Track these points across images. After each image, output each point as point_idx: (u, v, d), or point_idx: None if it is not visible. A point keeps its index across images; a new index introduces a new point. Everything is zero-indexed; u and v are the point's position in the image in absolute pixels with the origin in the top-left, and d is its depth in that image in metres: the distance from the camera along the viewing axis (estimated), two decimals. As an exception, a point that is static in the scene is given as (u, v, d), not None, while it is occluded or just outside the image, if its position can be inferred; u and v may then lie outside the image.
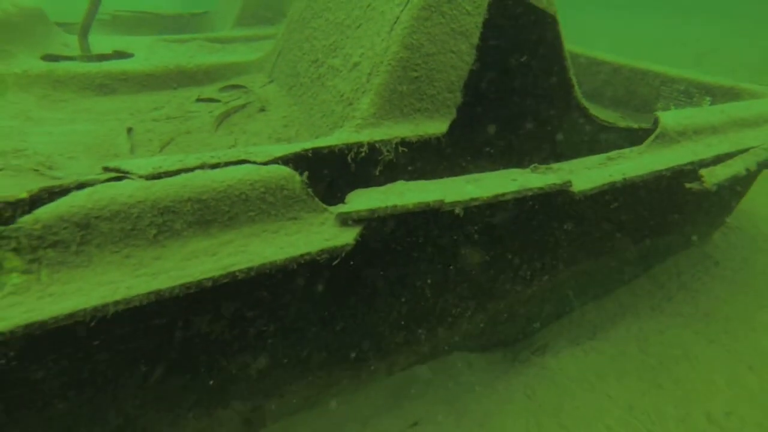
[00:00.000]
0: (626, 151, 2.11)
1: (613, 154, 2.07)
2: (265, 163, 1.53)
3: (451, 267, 2.11)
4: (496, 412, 2.05)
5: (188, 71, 3.16)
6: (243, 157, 1.53)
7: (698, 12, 13.29)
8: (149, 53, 3.89)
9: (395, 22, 1.84)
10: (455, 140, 1.98)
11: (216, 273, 1.29)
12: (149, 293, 1.18)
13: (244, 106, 2.91)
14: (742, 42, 9.84)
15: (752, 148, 2.15)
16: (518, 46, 2.20)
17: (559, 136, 2.43)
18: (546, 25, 2.15)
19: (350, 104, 1.95)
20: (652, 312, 2.64)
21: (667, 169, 1.96)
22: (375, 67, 1.84)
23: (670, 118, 2.17)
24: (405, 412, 2.09)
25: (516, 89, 2.32)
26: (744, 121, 2.29)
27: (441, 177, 1.81)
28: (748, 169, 2.08)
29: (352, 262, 1.78)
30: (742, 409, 2.08)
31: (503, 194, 1.63)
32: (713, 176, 2.00)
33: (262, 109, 2.87)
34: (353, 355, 2.14)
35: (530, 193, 1.67)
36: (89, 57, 3.45)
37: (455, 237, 1.94)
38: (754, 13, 12.77)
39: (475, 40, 1.90)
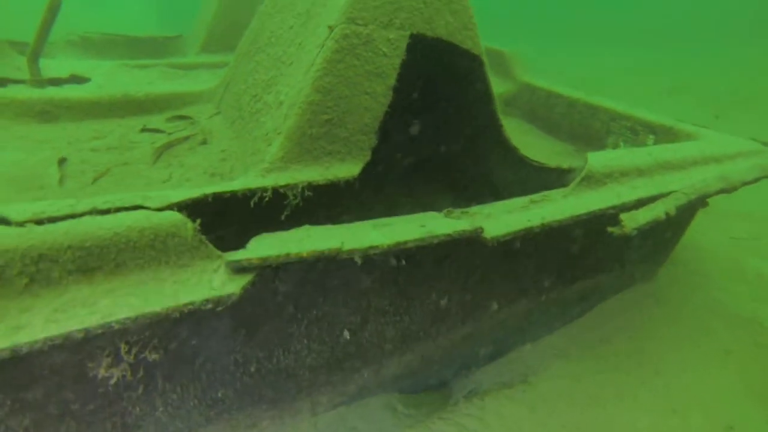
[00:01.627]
0: (552, 192, 2.12)
1: (537, 196, 2.07)
2: (161, 209, 1.50)
3: (370, 309, 2.08)
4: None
5: (136, 100, 3.15)
6: (138, 202, 1.51)
7: (677, 45, 13.70)
8: (107, 79, 3.88)
9: (311, 65, 1.85)
10: (372, 183, 1.97)
11: (91, 323, 1.25)
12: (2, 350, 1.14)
13: (187, 138, 2.90)
14: (714, 76, 10.11)
15: (673, 192, 2.16)
16: (441, 87, 2.22)
17: (491, 177, 2.44)
18: (472, 66, 2.16)
19: (269, 144, 1.94)
20: (588, 353, 2.62)
21: (587, 214, 1.96)
22: (290, 109, 1.84)
23: (597, 159, 2.18)
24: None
25: (440, 130, 2.33)
26: (669, 164, 2.31)
27: (356, 220, 1.80)
28: (667, 214, 2.09)
29: (257, 306, 1.75)
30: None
31: (405, 242, 1.61)
32: (633, 221, 2.01)
33: (204, 142, 2.85)
34: (272, 396, 2.09)
35: (436, 241, 1.65)
36: (39, 81, 3.43)
37: (369, 280, 1.92)
38: (730, 50, 13.17)
39: (392, 81, 1.91)
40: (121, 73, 4.09)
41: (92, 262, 1.34)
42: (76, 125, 2.91)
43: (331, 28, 1.82)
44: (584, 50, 13.75)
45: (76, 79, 3.81)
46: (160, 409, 1.83)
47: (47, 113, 2.90)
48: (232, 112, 2.98)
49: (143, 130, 2.97)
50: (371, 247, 1.58)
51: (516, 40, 11.91)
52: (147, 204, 1.50)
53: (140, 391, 1.72)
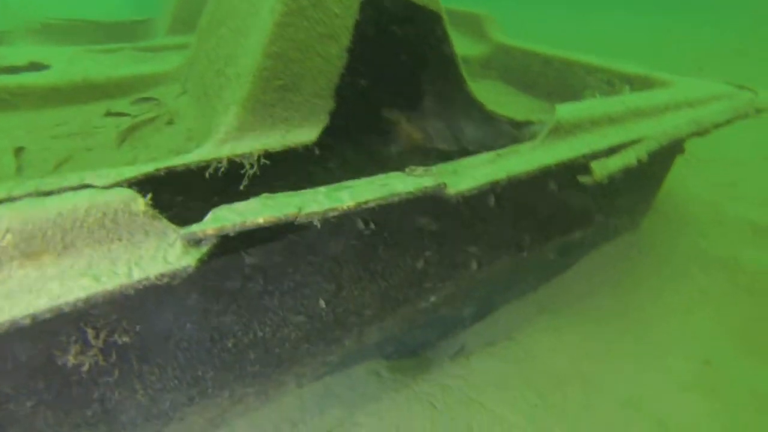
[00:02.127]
0: (519, 146, 2.07)
1: (504, 150, 2.03)
2: (110, 186, 1.46)
3: (343, 275, 2.06)
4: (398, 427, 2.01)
5: (98, 84, 3.06)
6: (86, 180, 1.46)
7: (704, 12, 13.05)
8: (69, 65, 3.77)
9: (262, 31, 1.78)
10: (331, 147, 1.92)
11: (38, 308, 1.22)
12: None
13: (153, 119, 2.82)
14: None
15: (645, 138, 2.12)
16: (399, 47, 2.15)
17: (460, 137, 2.38)
18: (431, 23, 2.09)
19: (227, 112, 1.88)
20: (572, 307, 2.62)
21: (556, 164, 1.92)
22: (244, 78, 1.78)
23: (566, 110, 2.13)
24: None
25: (400, 90, 2.27)
26: (641, 111, 2.26)
27: (316, 186, 1.76)
28: (639, 159, 2.05)
29: (225, 279, 1.72)
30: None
31: (365, 202, 1.58)
32: (604, 168, 1.97)
33: (170, 122, 2.79)
34: (254, 371, 2.09)
35: (397, 199, 1.62)
36: (-5, 70, 3.32)
37: (337, 246, 1.89)
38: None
39: (346, 42, 1.84)
40: (84, 58, 3.96)
41: (37, 245, 1.30)
42: (35, 113, 2.83)
43: (278, -11, 1.75)
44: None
45: (36, 67, 3.69)
46: (140, 392, 1.82)
47: (3, 101, 2.82)
48: (197, 89, 2.90)
49: (107, 114, 2.89)
50: (330, 209, 1.54)
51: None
52: (95, 182, 1.45)
53: (116, 375, 1.70)
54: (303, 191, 1.67)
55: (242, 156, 1.65)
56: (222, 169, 1.63)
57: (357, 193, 1.61)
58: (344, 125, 1.95)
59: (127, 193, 1.40)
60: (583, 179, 1.95)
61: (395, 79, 2.24)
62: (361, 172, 2.52)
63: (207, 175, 1.62)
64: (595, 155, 2.01)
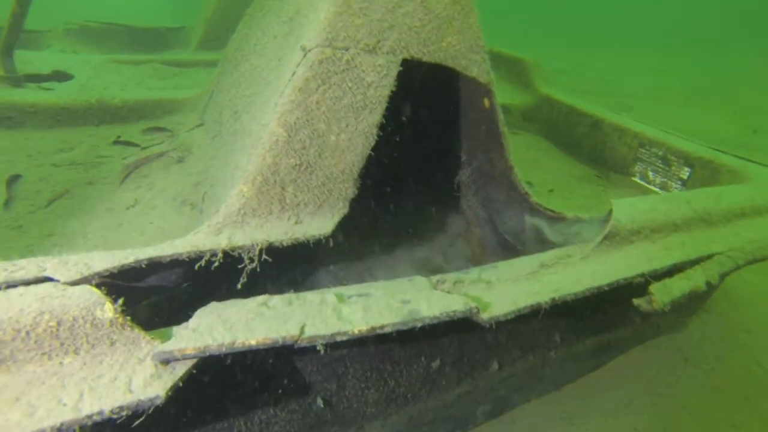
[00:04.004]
0: (569, 251, 1.78)
1: (549, 257, 1.73)
2: (75, 282, 1.21)
3: (348, 375, 1.79)
4: None
5: (112, 107, 2.87)
6: (47, 271, 1.22)
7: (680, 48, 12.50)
8: (92, 76, 3.61)
9: (281, 94, 1.53)
10: (352, 239, 1.65)
11: None
12: None
13: (161, 154, 2.61)
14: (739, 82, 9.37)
15: (716, 254, 1.80)
16: (438, 121, 1.88)
17: (496, 222, 2.09)
18: (478, 96, 1.82)
19: (234, 185, 1.63)
20: (602, 421, 2.29)
21: (609, 284, 1.61)
22: (253, 148, 1.53)
23: (624, 212, 1.83)
24: None
25: (437, 173, 1.99)
26: (711, 217, 1.94)
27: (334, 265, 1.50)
28: (709, 283, 1.73)
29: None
30: None
31: (381, 326, 1.30)
32: (666, 293, 1.66)
33: (180, 160, 2.57)
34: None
35: (419, 324, 1.34)
36: (15, 78, 3.17)
37: (346, 345, 1.63)
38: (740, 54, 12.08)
39: (378, 117, 1.58)
40: (108, 69, 3.81)
41: None
42: (41, 134, 2.64)
43: (304, 50, 1.50)
44: (588, 51, 12.99)
45: (59, 76, 3.54)
46: None
47: (10, 119, 2.64)
48: (214, 126, 2.68)
49: (116, 142, 2.69)
50: (339, 333, 1.27)
51: (513, 39, 11.24)
52: (56, 274, 1.20)
53: None
54: (308, 296, 1.40)
55: (241, 248, 1.39)
56: (216, 263, 1.37)
57: (372, 311, 1.34)
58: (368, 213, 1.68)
59: (93, 297, 1.15)
60: (639, 303, 1.64)
61: (432, 159, 1.97)
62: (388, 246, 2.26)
63: (197, 268, 1.36)
64: (656, 274, 1.70)
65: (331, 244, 1.54)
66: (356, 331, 1.28)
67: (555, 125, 3.78)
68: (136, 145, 2.66)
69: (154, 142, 2.72)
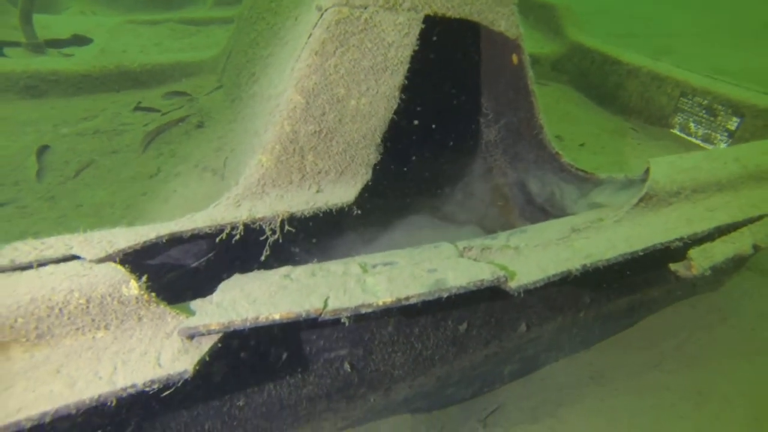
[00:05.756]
0: (601, 213, 1.69)
1: (580, 221, 1.66)
2: (100, 260, 1.22)
3: (374, 341, 1.80)
4: None
5: (131, 72, 2.83)
6: (74, 249, 1.23)
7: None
8: (110, 39, 3.57)
9: (297, 57, 1.46)
10: (376, 203, 1.61)
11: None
12: None
13: (182, 119, 2.58)
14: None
15: (766, 215, 1.68)
16: (465, 81, 1.77)
17: (526, 183, 2.01)
18: (506, 52, 1.70)
19: (253, 153, 1.60)
20: (633, 381, 2.26)
21: (644, 250, 1.54)
22: (270, 115, 1.48)
23: (662, 171, 1.71)
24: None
25: (464, 136, 1.90)
26: (764, 174, 1.80)
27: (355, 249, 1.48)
28: (757, 246, 1.63)
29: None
30: None
31: (406, 297, 1.28)
32: (706, 258, 1.58)
33: (200, 125, 2.54)
34: (266, 426, 1.90)
35: (445, 294, 1.31)
36: (36, 44, 3.15)
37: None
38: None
39: (400, 78, 1.49)
40: (126, 31, 3.75)
41: (4, 334, 1.09)
42: (65, 102, 2.64)
43: (320, 10, 1.40)
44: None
45: (78, 40, 3.51)
46: None
47: (34, 88, 2.64)
48: (232, 89, 2.62)
49: (136, 108, 2.67)
50: (363, 305, 1.26)
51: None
52: (83, 252, 1.21)
53: None
54: (331, 266, 1.39)
55: (262, 220, 1.36)
56: (236, 236, 1.36)
57: (397, 282, 1.31)
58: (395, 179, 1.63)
59: (118, 275, 1.16)
60: (676, 269, 1.57)
61: (457, 121, 1.88)
62: (405, 208, 2.21)
63: (218, 241, 1.35)
64: (697, 238, 1.61)
65: (356, 212, 1.51)
66: (381, 303, 1.26)
67: (587, 75, 3.56)
68: (157, 111, 2.64)
69: (174, 107, 2.69)
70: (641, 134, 3.01)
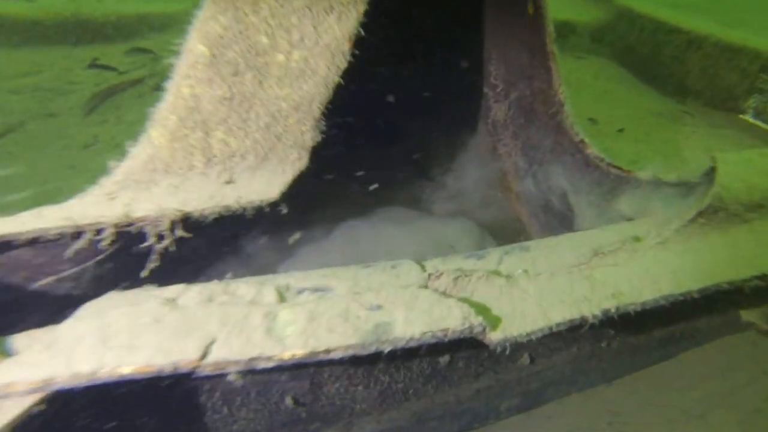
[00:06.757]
0: (636, 230, 1.22)
1: (608, 238, 1.19)
2: None
3: (323, 374, 1.41)
4: None
5: (91, 22, 2.44)
6: None
7: None
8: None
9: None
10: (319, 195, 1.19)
11: None
12: None
13: (139, 80, 2.20)
14: None
15: None
16: (465, 40, 1.30)
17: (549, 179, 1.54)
18: (519, 1, 1.21)
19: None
20: (663, 427, 1.81)
21: (701, 290, 1.06)
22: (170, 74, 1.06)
23: (734, 173, 1.20)
24: None
25: (464, 109, 1.44)
26: None
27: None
28: None
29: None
30: None
31: (327, 350, 0.86)
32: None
33: (158, 88, 2.14)
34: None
35: (387, 348, 0.89)
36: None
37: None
38: None
39: (353, 24, 1.03)
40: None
41: None
42: (8, 53, 2.29)
43: None
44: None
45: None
46: None
47: (-24, 34, 2.29)
48: (196, 45, 2.21)
49: (91, 65, 2.30)
50: (259, 358, 0.85)
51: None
52: None
53: None
54: (240, 287, 0.98)
55: (143, 221, 0.96)
56: (107, 241, 0.96)
57: (320, 321, 0.89)
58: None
59: None
60: (754, 320, 1.09)
61: (454, 93, 1.42)
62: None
63: (72, 253, 0.96)
64: (780, 273, 1.11)
65: (284, 212, 1.08)
66: (287, 356, 0.85)
67: (634, 47, 2.96)
68: (114, 69, 2.27)
69: (134, 66, 2.30)
70: (699, 120, 2.43)
